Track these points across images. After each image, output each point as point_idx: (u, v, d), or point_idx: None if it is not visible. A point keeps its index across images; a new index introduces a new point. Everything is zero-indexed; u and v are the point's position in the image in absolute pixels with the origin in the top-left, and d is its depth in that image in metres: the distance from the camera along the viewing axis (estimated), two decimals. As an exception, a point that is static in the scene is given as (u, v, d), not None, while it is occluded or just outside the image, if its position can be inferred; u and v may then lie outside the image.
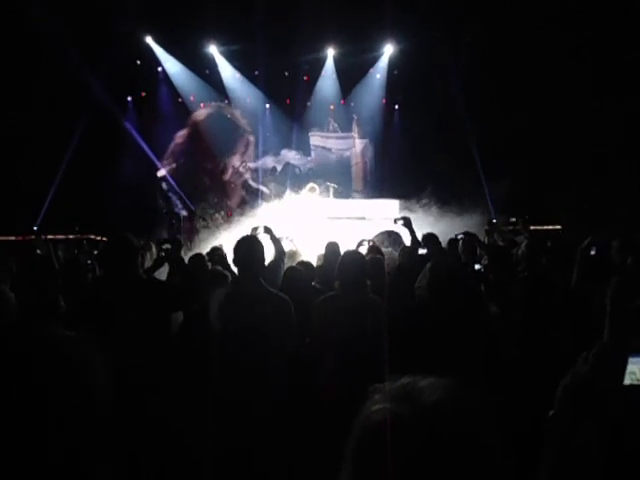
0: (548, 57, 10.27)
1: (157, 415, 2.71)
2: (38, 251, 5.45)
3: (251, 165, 13.96)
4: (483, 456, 0.66)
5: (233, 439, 2.64)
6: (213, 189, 13.78)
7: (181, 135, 13.69)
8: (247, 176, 13.77)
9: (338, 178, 12.09)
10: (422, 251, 4.29)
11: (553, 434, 0.96)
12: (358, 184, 14.20)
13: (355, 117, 14.10)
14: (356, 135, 14.31)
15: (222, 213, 12.69)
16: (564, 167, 10.50)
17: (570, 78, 10.22)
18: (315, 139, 14.21)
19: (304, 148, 14.11)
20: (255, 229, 4.45)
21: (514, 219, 9.53)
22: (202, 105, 13.84)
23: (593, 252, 3.54)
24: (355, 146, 14.31)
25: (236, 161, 13.89)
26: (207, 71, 13.31)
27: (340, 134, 14.31)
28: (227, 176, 13.86)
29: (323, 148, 14.28)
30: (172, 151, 13.60)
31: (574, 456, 0.92)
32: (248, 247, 2.94)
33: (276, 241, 4.39)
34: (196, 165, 13.71)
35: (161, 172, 13.60)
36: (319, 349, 2.95)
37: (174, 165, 13.67)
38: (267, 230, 4.42)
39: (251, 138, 13.89)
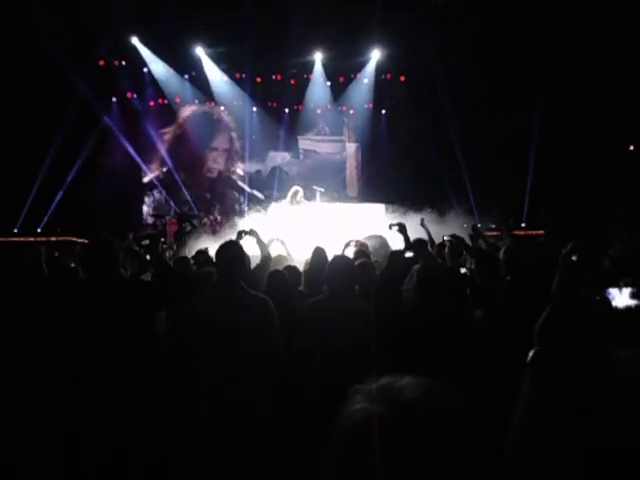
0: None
1: (144, 415, 2.69)
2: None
3: (238, 170, 13.91)
4: (461, 454, 0.67)
5: (223, 441, 2.63)
6: (200, 192, 13.71)
7: (166, 136, 13.59)
8: (237, 180, 13.69)
9: (327, 182, 12.07)
10: (408, 254, 4.31)
11: (536, 372, 0.96)
12: (353, 189, 14.09)
13: (346, 121, 14.12)
14: (347, 139, 14.30)
15: (210, 217, 12.59)
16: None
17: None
18: (304, 143, 14.20)
19: (292, 152, 14.10)
20: (241, 233, 4.42)
21: (494, 225, 9.61)
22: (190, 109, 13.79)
23: (574, 258, 3.55)
24: (346, 150, 14.28)
25: (220, 159, 13.83)
26: (193, 73, 13.26)
27: (330, 137, 14.32)
28: (213, 175, 13.80)
29: (312, 152, 14.26)
30: (160, 156, 13.49)
31: (555, 395, 0.93)
32: (228, 251, 3.01)
33: (262, 245, 4.37)
34: (182, 167, 13.63)
35: (147, 178, 13.47)
36: (308, 348, 2.95)
37: (163, 169, 13.56)
38: (253, 233, 4.39)
39: (234, 134, 13.85)
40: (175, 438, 2.73)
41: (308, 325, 3.00)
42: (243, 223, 8.74)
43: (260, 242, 4.37)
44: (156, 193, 13.59)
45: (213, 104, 13.69)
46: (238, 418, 2.68)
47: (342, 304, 2.96)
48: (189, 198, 13.36)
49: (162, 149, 13.42)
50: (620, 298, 1.21)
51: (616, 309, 1.20)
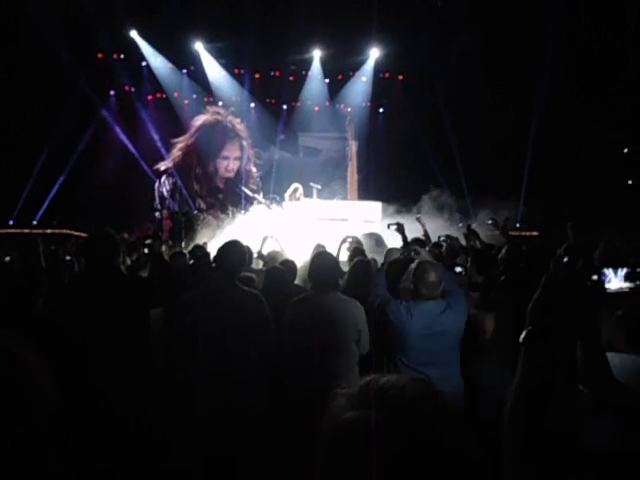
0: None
1: (131, 414, 2.66)
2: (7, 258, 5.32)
3: (235, 167, 13.86)
4: (459, 452, 0.66)
5: (218, 440, 2.64)
6: (211, 200, 13.69)
7: (179, 145, 13.52)
8: (237, 181, 13.60)
9: (327, 180, 12.04)
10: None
11: (528, 352, 0.95)
12: (353, 189, 13.70)
13: (349, 118, 14.06)
14: (350, 137, 14.20)
15: (204, 213, 12.55)
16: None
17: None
18: (305, 139, 14.15)
19: (290, 148, 14.07)
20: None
21: (490, 221, 9.61)
22: (186, 102, 13.71)
23: (566, 259, 3.58)
24: (349, 148, 14.08)
25: (232, 168, 13.78)
26: (192, 68, 13.22)
27: (331, 135, 14.25)
28: (216, 179, 13.80)
29: (313, 149, 14.21)
30: (169, 158, 13.44)
31: (546, 382, 0.92)
32: (230, 249, 3.01)
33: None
34: (194, 176, 13.61)
35: (161, 167, 13.40)
36: (290, 344, 2.97)
37: (169, 170, 13.51)
38: (261, 256, 4.54)
39: (245, 142, 13.81)
40: (167, 437, 2.71)
41: (290, 322, 3.02)
42: (244, 220, 8.79)
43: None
44: (161, 187, 13.56)
45: (226, 112, 13.59)
46: (230, 416, 2.67)
47: (325, 301, 2.97)
48: (192, 204, 13.33)
49: (174, 155, 13.31)
50: (615, 280, 1.23)
51: (609, 291, 1.22)
